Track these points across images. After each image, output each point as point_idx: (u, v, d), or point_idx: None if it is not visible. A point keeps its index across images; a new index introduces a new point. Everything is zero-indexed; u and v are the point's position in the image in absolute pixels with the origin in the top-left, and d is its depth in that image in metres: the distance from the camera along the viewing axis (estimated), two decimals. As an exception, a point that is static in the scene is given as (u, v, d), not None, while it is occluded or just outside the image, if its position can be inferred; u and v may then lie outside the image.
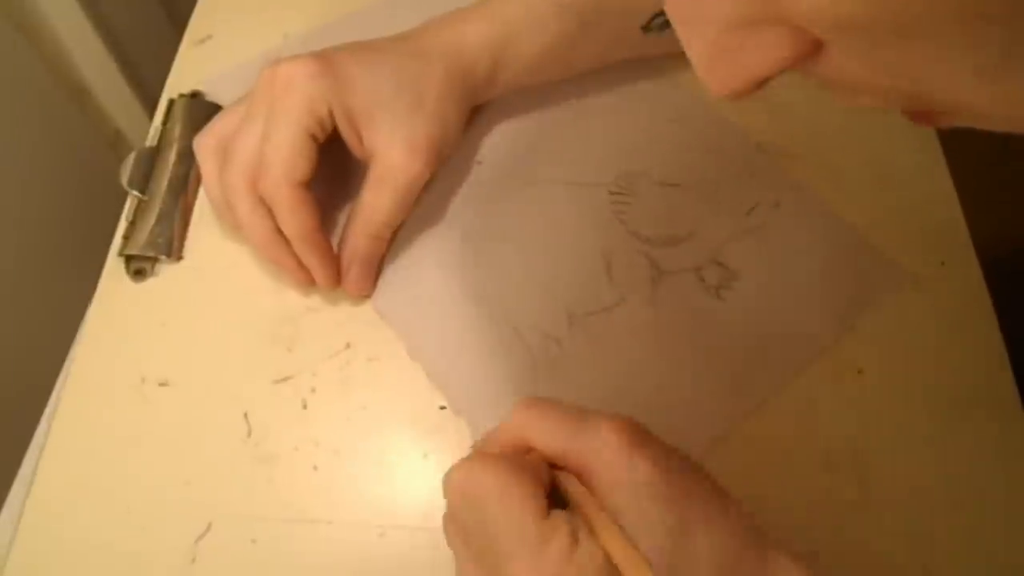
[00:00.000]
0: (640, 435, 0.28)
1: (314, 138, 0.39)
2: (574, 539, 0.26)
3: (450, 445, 0.38)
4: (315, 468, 0.38)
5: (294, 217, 0.39)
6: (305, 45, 0.43)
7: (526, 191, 0.46)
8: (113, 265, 0.44)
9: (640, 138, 0.48)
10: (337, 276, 0.41)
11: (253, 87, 0.41)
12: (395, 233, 0.43)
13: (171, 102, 0.50)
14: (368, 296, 0.42)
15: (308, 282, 0.41)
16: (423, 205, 0.44)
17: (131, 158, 0.47)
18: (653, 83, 0.50)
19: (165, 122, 0.49)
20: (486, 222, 0.45)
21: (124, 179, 0.46)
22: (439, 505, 0.37)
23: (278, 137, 0.39)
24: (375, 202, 0.41)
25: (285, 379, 0.40)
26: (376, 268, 0.42)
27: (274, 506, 0.37)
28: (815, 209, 0.45)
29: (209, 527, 0.37)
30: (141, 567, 0.36)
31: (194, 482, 0.38)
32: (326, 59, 0.40)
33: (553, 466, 0.29)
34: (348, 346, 0.41)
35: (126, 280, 0.43)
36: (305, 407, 0.40)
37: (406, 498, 0.37)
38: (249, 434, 0.39)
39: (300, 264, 0.41)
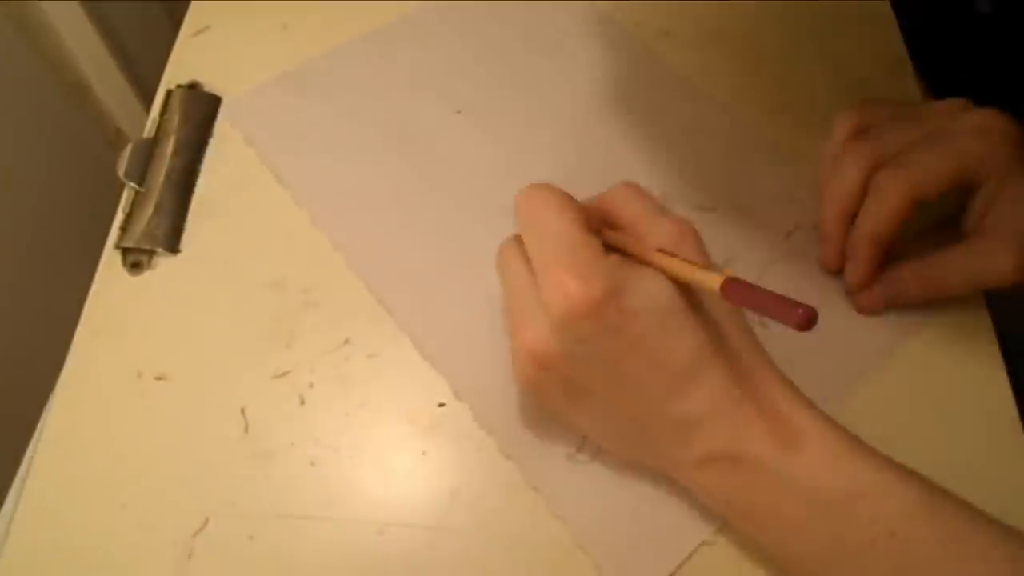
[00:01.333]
0: (696, 236, 0.33)
1: (955, 181, 0.37)
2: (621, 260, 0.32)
3: (449, 442, 0.38)
4: (312, 464, 0.38)
5: (887, 218, 0.38)
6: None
7: None
8: (110, 258, 0.44)
9: (676, 158, 0.47)
10: (859, 286, 0.41)
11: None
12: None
13: (169, 93, 0.49)
14: (868, 313, 0.41)
15: (829, 265, 0.42)
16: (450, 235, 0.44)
17: (128, 149, 0.46)
18: (690, 103, 0.50)
19: (163, 113, 0.48)
20: None
21: (121, 170, 0.46)
22: (438, 502, 0.37)
23: (930, 154, 0.38)
24: (951, 279, 0.39)
25: (283, 374, 0.40)
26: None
27: (271, 502, 0.37)
28: None
29: (206, 522, 0.37)
30: (137, 562, 0.36)
31: (191, 477, 0.38)
32: None
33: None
34: (347, 342, 0.41)
35: (123, 273, 0.43)
36: (303, 403, 0.39)
37: (404, 495, 0.37)
38: (246, 429, 0.39)
39: (838, 249, 0.41)
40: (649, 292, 0.31)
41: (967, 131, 0.38)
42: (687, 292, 0.31)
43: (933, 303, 0.41)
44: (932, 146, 0.38)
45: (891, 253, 0.40)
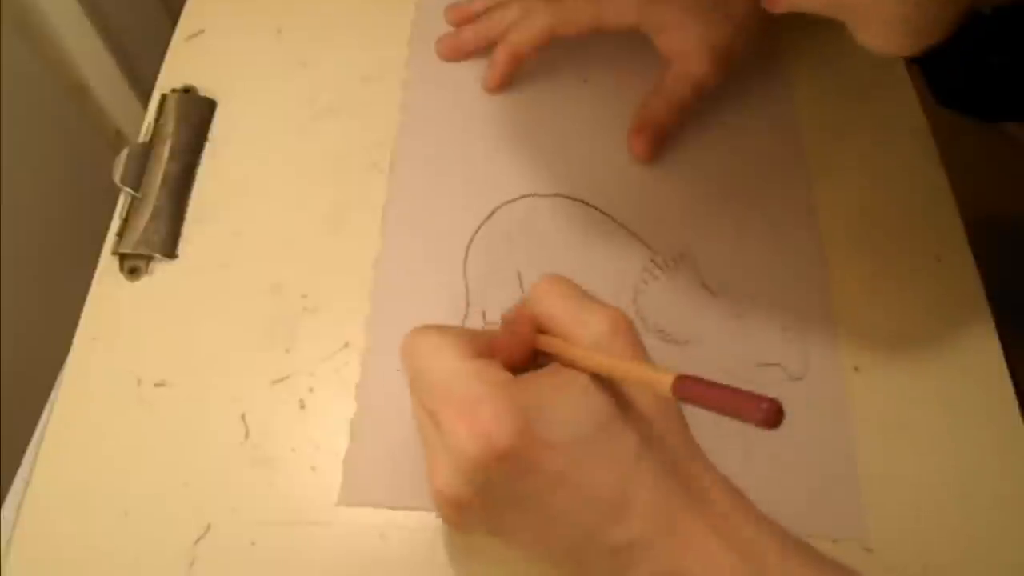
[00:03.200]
0: (630, 328, 0.31)
1: (592, 29, 0.46)
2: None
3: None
4: (314, 469, 0.38)
5: (528, 39, 0.46)
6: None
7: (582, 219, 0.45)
8: (107, 264, 0.44)
9: (715, 228, 0.45)
10: (491, 88, 0.49)
11: None
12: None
13: (163, 98, 0.49)
14: (648, 161, 0.46)
15: (453, 52, 0.50)
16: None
17: (124, 155, 0.46)
18: (781, 181, 0.47)
19: (158, 118, 0.48)
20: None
21: (117, 176, 0.45)
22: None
23: (579, 2, 0.46)
24: (678, 97, 0.46)
25: (283, 379, 0.40)
26: (664, 139, 0.47)
27: (273, 508, 0.37)
28: (832, 409, 0.40)
29: (208, 529, 0.37)
30: (139, 570, 0.36)
31: (192, 484, 0.38)
32: None
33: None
34: (346, 346, 0.41)
35: (121, 279, 0.43)
36: (303, 407, 0.39)
37: (406, 499, 0.37)
38: (247, 435, 0.39)
39: (480, 47, 0.49)
40: (570, 416, 0.28)
41: None
42: (616, 398, 0.29)
43: (680, 123, 0.47)
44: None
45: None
